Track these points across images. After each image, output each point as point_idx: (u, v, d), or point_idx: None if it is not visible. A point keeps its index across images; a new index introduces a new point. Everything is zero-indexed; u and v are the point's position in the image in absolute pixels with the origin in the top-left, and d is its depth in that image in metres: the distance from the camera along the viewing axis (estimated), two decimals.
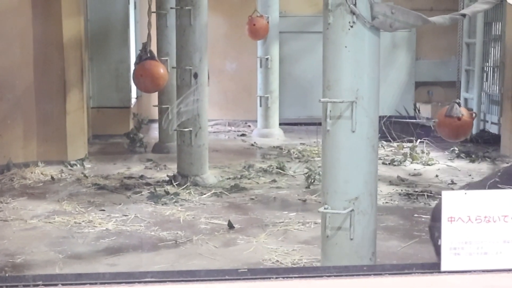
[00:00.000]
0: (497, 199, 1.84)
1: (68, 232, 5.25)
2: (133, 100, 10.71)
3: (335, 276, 1.78)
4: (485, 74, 10.18)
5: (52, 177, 7.12)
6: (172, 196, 6.29)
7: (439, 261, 3.36)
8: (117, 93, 10.02)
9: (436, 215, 3.48)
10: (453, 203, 1.83)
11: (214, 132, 10.67)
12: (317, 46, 10.19)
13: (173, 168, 7.31)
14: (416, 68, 11.68)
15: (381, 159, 7.95)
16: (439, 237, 3.36)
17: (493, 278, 1.78)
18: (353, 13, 3.33)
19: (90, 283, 1.71)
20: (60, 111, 7.80)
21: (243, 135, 10.60)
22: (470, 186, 3.54)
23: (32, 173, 7.21)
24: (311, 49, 11.16)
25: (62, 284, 1.70)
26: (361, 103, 3.39)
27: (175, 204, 6.10)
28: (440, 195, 1.90)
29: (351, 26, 3.35)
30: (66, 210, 5.87)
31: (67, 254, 4.74)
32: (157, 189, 6.53)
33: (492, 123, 9.83)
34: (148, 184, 6.89)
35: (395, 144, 9.03)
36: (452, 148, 8.58)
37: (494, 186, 3.21)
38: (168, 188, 6.61)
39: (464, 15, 3.65)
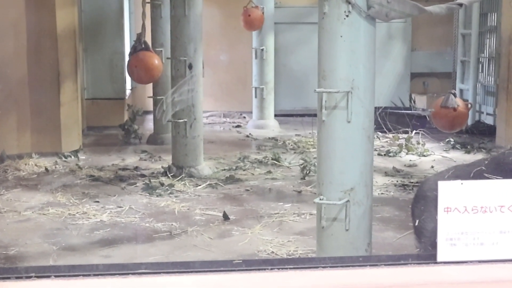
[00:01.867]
0: (493, 189, 1.82)
1: (62, 224, 5.23)
2: (128, 92, 10.67)
3: (330, 267, 1.76)
4: (480, 65, 10.17)
5: (46, 169, 7.10)
6: (167, 187, 6.28)
7: (418, 243, 3.37)
8: (111, 84, 9.98)
9: (419, 195, 3.49)
10: (449, 193, 1.81)
11: (209, 123, 10.65)
12: (312, 37, 10.16)
13: (168, 160, 7.29)
14: (411, 59, 11.67)
15: (376, 150, 7.95)
16: (418, 217, 3.37)
17: (489, 269, 1.77)
18: (348, 2, 3.31)
19: (84, 275, 1.70)
20: (54, 102, 7.76)
21: (238, 126, 10.58)
22: (457, 168, 3.54)
23: (26, 164, 7.18)
24: (307, 40, 11.13)
25: (55, 276, 1.69)
26: (357, 93, 3.37)
27: (170, 195, 6.08)
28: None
29: (347, 16, 3.33)
30: (60, 202, 5.84)
31: (61, 246, 4.72)
32: (151, 180, 6.51)
33: (487, 114, 9.83)
34: (142, 175, 6.87)
35: (390, 135, 9.03)
36: (447, 139, 8.59)
37: (480, 174, 3.21)
38: (163, 179, 6.59)
39: (460, 5, 3.64)
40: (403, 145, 8.27)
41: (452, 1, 3.82)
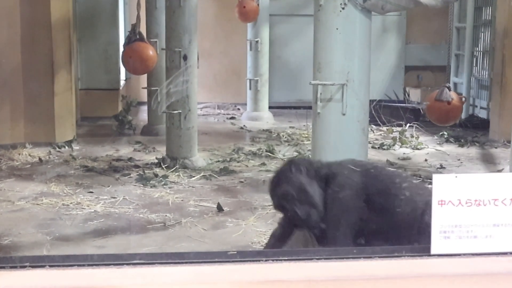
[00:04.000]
0: (487, 183, 1.83)
1: (56, 214, 5.22)
2: (122, 82, 10.64)
3: (324, 259, 1.77)
4: (475, 59, 10.18)
5: (40, 159, 7.08)
6: (161, 178, 6.27)
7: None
8: (105, 75, 9.94)
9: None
10: (443, 186, 1.82)
11: (203, 115, 10.64)
12: (307, 29, 10.13)
13: (162, 151, 7.28)
14: (406, 52, 11.67)
15: (370, 143, 7.96)
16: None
17: (482, 262, 1.78)
18: None
19: (78, 265, 1.70)
20: (48, 92, 7.74)
21: (232, 118, 10.57)
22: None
23: (19, 154, 7.16)
24: (302, 32, 11.12)
25: (50, 266, 1.69)
26: (352, 86, 3.37)
27: (164, 186, 6.08)
28: (430, 179, 1.89)
29: (343, 8, 3.33)
30: (54, 192, 5.83)
31: (54, 236, 4.71)
32: (145, 171, 6.51)
33: (481, 108, 9.85)
34: (136, 166, 6.86)
35: (384, 128, 9.04)
36: (441, 133, 8.61)
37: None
38: (157, 170, 6.59)
39: None
40: (397, 138, 8.28)
41: None
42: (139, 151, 7.72)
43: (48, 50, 7.68)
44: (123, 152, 7.61)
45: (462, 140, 8.39)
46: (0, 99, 7.53)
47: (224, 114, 10.89)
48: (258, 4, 9.92)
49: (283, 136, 8.74)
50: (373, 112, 8.95)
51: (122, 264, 1.70)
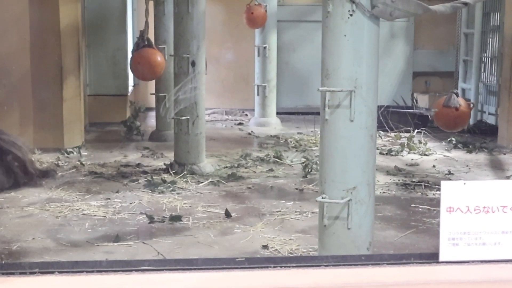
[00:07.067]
0: (496, 190, 1.83)
1: (64, 220, 5.24)
2: (130, 88, 10.68)
3: (333, 265, 1.77)
4: (483, 64, 10.17)
5: (48, 165, 7.10)
6: (169, 184, 6.28)
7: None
8: (114, 80, 9.98)
9: None
10: (452, 193, 1.82)
11: (211, 120, 10.66)
12: (315, 35, 10.14)
13: (170, 157, 7.30)
14: (414, 58, 11.66)
15: (378, 149, 7.95)
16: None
17: (491, 269, 1.78)
18: (352, 1, 3.31)
19: (87, 271, 1.71)
20: (57, 98, 7.77)
21: (240, 124, 10.58)
22: None
23: None
24: (309, 38, 11.13)
25: (59, 272, 1.70)
26: (360, 92, 3.37)
27: (172, 192, 6.09)
28: (439, 185, 1.89)
29: (351, 15, 3.33)
30: (62, 198, 5.85)
31: (63, 242, 4.73)
32: (154, 177, 6.52)
33: (489, 113, 9.83)
34: (145, 172, 6.87)
35: (392, 134, 9.03)
36: (449, 139, 8.59)
37: None
38: (165, 176, 6.60)
39: (465, 4, 3.63)
40: (405, 144, 8.27)
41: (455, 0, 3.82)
42: (147, 157, 7.74)
43: (57, 56, 7.72)
44: (131, 158, 7.63)
45: (470, 146, 8.37)
46: (10, 105, 7.56)
47: (232, 120, 10.91)
48: (266, 10, 9.94)
49: (291, 142, 8.75)
50: (381, 118, 8.95)
51: (131, 271, 1.71)
